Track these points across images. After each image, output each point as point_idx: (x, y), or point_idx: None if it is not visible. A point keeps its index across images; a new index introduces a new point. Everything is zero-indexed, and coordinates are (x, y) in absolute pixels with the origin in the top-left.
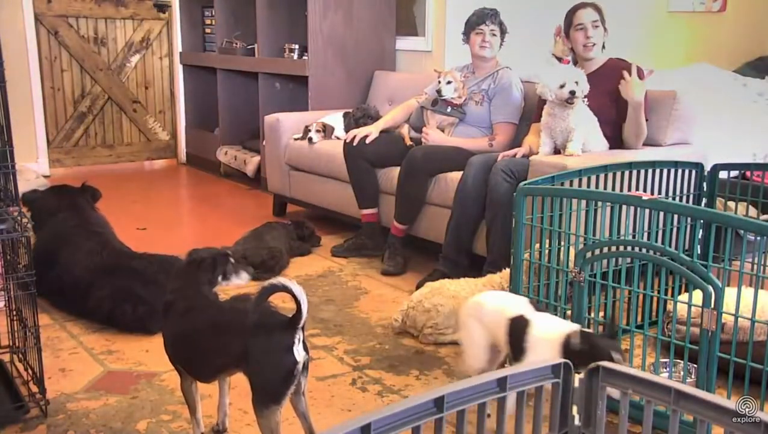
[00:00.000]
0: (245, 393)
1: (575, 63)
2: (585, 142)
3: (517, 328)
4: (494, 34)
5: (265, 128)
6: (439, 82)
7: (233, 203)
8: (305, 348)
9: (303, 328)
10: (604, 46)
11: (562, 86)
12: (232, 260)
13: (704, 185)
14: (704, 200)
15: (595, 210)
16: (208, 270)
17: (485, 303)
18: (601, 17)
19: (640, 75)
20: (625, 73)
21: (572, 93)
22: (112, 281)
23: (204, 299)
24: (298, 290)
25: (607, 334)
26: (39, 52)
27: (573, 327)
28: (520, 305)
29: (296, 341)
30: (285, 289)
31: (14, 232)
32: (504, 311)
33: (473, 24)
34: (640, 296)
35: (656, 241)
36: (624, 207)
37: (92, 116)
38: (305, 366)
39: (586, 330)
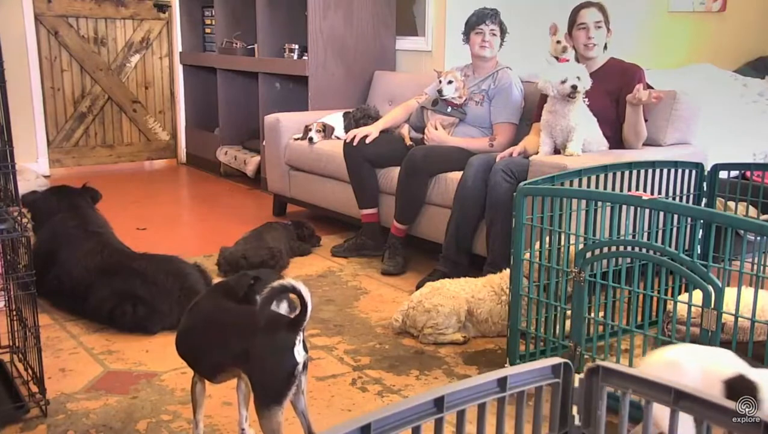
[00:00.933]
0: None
1: (577, 62)
2: (585, 142)
3: (740, 393)
4: (494, 34)
5: (265, 128)
6: (440, 82)
7: (233, 203)
8: (305, 347)
9: (304, 329)
10: (605, 47)
11: (563, 81)
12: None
13: (704, 185)
14: (704, 200)
15: (595, 210)
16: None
17: (683, 363)
18: (605, 18)
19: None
20: (641, 89)
21: (574, 87)
22: (112, 281)
23: (219, 302)
24: (306, 293)
25: None
26: (39, 52)
27: None
28: (731, 361)
29: (297, 342)
30: (293, 291)
31: (14, 232)
32: (715, 372)
33: (473, 24)
34: (640, 296)
35: (656, 241)
36: (624, 207)
37: (92, 116)
38: (305, 365)
39: None
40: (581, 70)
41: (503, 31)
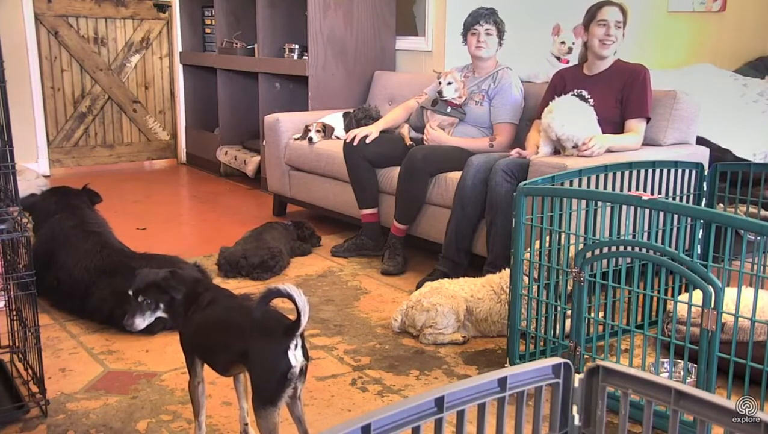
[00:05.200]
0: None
1: (585, 60)
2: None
3: None
4: (489, 34)
5: (265, 128)
6: (440, 83)
7: (233, 203)
8: (305, 354)
9: (302, 334)
10: (615, 51)
11: (567, 138)
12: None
13: (704, 185)
14: (704, 200)
15: (595, 210)
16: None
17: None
18: (624, 20)
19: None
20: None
21: (575, 147)
22: (112, 281)
23: (221, 291)
24: (301, 301)
25: None
26: (39, 52)
27: None
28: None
29: (292, 346)
30: (288, 296)
31: (14, 232)
32: None
33: (468, 25)
34: (640, 296)
35: (656, 241)
36: (624, 207)
37: (92, 116)
38: (302, 371)
39: None
40: (590, 122)
41: (500, 31)
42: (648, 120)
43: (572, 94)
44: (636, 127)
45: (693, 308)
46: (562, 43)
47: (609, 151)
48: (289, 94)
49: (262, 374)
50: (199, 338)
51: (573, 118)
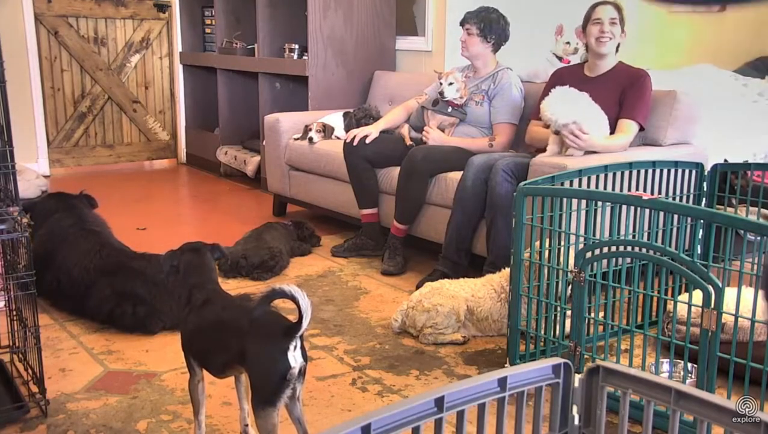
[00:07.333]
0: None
1: (585, 61)
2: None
3: None
4: (470, 34)
5: (265, 128)
6: (441, 83)
7: (233, 203)
8: (303, 355)
9: (302, 335)
10: (617, 49)
11: (565, 124)
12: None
13: (704, 185)
14: (704, 200)
15: (595, 210)
16: (214, 256)
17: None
18: (620, 16)
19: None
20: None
21: (557, 132)
22: (112, 281)
23: (219, 291)
24: (305, 303)
25: None
26: (39, 52)
27: None
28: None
29: (291, 347)
30: (291, 298)
31: (14, 232)
32: None
33: (461, 24)
34: (640, 296)
35: (656, 241)
36: (624, 207)
37: (92, 116)
38: (301, 373)
39: None
40: (585, 107)
41: (484, 30)
42: (642, 129)
43: None
44: (625, 127)
45: (693, 308)
46: (567, 43)
47: (594, 152)
48: (289, 94)
49: (260, 374)
50: (196, 337)
51: (565, 104)
